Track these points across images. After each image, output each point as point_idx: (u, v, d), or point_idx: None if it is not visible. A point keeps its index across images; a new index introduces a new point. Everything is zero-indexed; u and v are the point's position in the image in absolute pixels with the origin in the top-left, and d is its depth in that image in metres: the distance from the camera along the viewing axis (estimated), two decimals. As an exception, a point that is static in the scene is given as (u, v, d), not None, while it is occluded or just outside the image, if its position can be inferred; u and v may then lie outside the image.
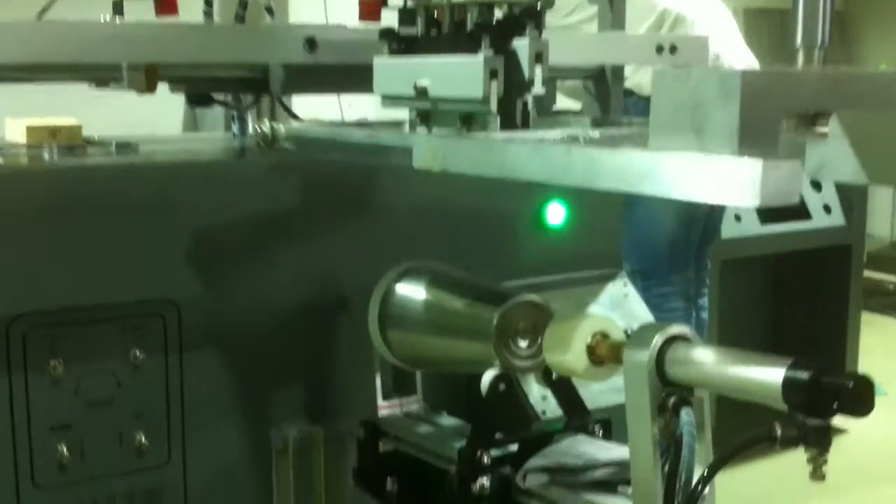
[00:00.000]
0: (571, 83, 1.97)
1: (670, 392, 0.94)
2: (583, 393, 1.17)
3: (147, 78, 1.22)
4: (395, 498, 1.21)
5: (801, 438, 0.86)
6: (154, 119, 2.11)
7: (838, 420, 0.85)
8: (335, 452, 1.32)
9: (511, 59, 0.92)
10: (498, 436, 1.11)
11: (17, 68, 1.21)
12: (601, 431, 1.17)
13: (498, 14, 0.96)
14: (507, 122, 0.95)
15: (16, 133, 1.39)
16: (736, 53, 2.62)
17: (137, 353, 1.22)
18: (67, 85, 1.39)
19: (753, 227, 3.32)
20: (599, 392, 1.22)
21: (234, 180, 1.30)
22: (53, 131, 1.36)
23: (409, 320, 1.18)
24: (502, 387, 1.12)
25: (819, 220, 3.47)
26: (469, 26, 0.98)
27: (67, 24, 1.17)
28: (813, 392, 0.82)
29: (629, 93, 2.16)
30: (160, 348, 1.24)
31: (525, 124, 0.96)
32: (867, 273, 3.95)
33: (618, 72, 1.59)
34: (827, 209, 3.49)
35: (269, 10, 1.47)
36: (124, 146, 1.36)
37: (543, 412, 1.23)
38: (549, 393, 1.18)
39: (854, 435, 2.64)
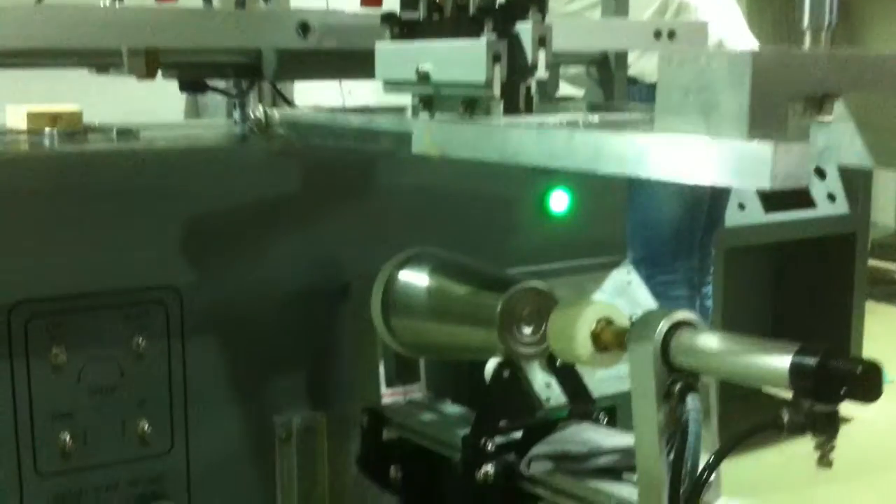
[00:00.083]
0: (574, 71, 1.97)
1: (676, 378, 0.93)
2: (587, 381, 1.16)
3: (147, 63, 1.21)
4: (399, 485, 1.21)
5: (808, 425, 0.85)
6: (155, 107, 2.10)
7: (843, 408, 0.84)
8: (338, 440, 1.32)
9: (514, 43, 0.91)
10: (502, 423, 1.11)
11: (16, 53, 1.20)
12: (606, 419, 1.17)
13: (500, -3, 0.96)
14: (511, 107, 0.94)
15: (17, 119, 1.38)
16: (739, 40, 2.61)
17: (140, 341, 1.21)
18: (69, 74, 1.39)
19: (757, 215, 3.32)
20: (604, 380, 1.21)
21: (236, 166, 1.29)
22: (54, 117, 1.36)
23: (413, 307, 1.17)
24: (506, 374, 1.12)
25: (823, 209, 3.46)
26: (472, 10, 0.97)
27: (66, 8, 1.16)
28: (820, 377, 0.81)
29: (632, 80, 2.15)
30: (163, 335, 1.23)
31: (528, 109, 0.95)
32: (871, 262, 3.94)
33: (621, 59, 1.58)
34: (831, 197, 3.49)
35: None
36: (125, 132, 1.35)
37: (547, 399, 1.22)
38: (553, 380, 1.18)
39: (859, 423, 2.64)
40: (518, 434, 1.10)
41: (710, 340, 0.92)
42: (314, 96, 1.63)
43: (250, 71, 1.35)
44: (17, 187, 1.16)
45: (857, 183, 3.48)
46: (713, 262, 3.13)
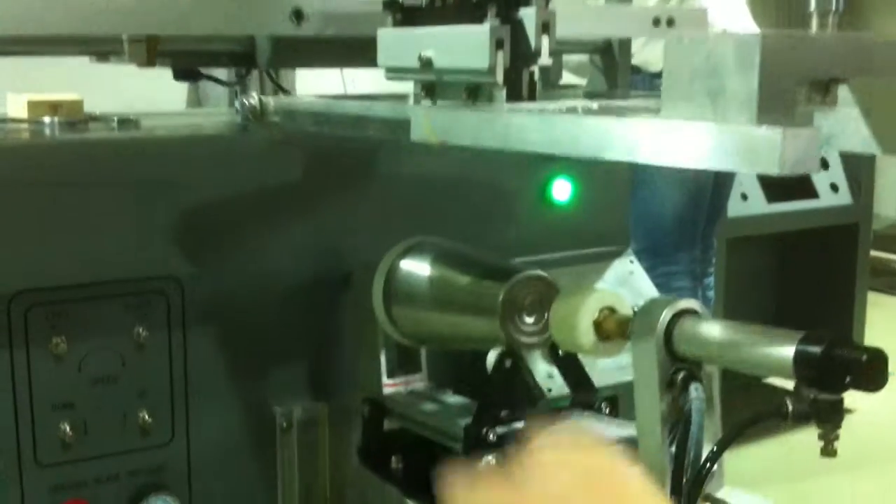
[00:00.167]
0: (577, 60, 1.96)
1: (679, 367, 0.93)
2: (589, 372, 1.16)
3: (148, 51, 1.20)
4: (401, 476, 1.21)
5: (812, 413, 0.85)
6: (157, 97, 2.10)
7: (846, 399, 0.84)
8: (339, 430, 1.32)
9: (517, 29, 0.91)
10: (504, 413, 1.11)
11: (16, 41, 1.19)
12: (608, 409, 1.16)
13: (504, -18, 0.95)
14: (514, 94, 0.93)
15: (17, 108, 1.38)
16: (743, 28, 2.61)
17: (141, 331, 1.21)
18: (70, 64, 1.38)
19: (760, 205, 3.32)
20: (606, 370, 1.21)
21: (237, 155, 1.28)
22: (55, 106, 1.35)
23: (414, 297, 1.17)
24: (508, 364, 1.11)
25: (826, 199, 3.46)
26: (474, -5, 0.96)
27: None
28: (825, 366, 0.81)
29: (636, 69, 2.15)
30: (163, 326, 1.23)
31: (532, 96, 0.95)
32: (873, 253, 3.94)
33: (625, 47, 1.57)
34: (834, 188, 3.49)
35: None
36: (126, 121, 1.35)
37: (549, 390, 1.22)
38: (555, 370, 1.18)
39: (861, 415, 2.64)
40: (520, 424, 1.10)
41: (713, 329, 0.92)
42: (316, 85, 1.63)
43: (244, 59, 1.33)
44: (17, 176, 1.15)
45: (859, 173, 3.48)
46: (715, 252, 3.13)
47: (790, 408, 0.86)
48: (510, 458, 0.70)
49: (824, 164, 3.37)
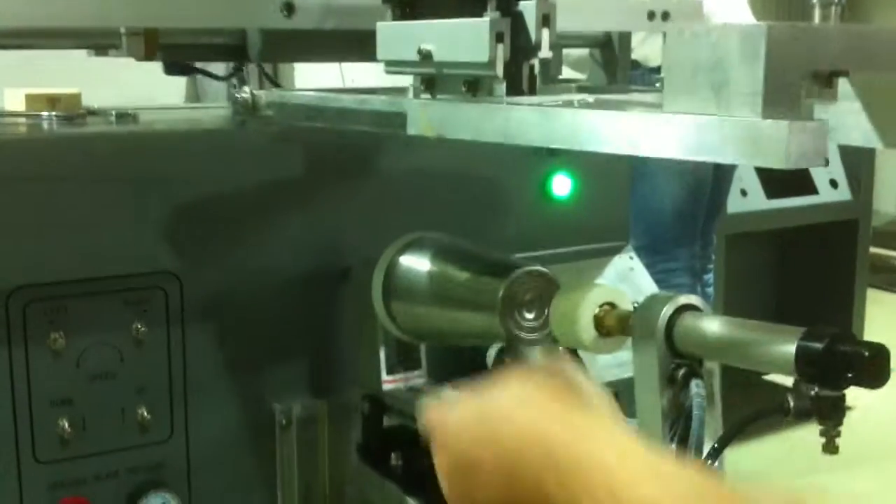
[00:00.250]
0: (577, 55, 1.95)
1: (680, 363, 0.92)
2: (589, 368, 1.15)
3: (146, 44, 1.19)
4: (400, 472, 1.20)
5: (814, 410, 0.84)
6: (156, 93, 2.09)
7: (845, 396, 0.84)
8: (339, 427, 1.31)
9: (517, 22, 0.90)
10: (504, 409, 1.10)
11: (12, 34, 1.19)
12: (608, 405, 1.15)
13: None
14: (514, 88, 0.93)
15: (15, 102, 1.37)
16: (743, 21, 2.60)
17: (139, 327, 1.20)
18: (69, 60, 1.38)
19: (759, 201, 3.32)
20: (606, 367, 1.21)
21: (236, 150, 1.28)
22: (53, 100, 1.34)
23: (414, 292, 1.16)
24: (508, 360, 1.11)
25: (825, 195, 3.46)
26: (474, -13, 0.95)
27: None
28: (827, 362, 0.80)
29: (635, 64, 2.15)
30: (162, 322, 1.22)
31: (532, 90, 0.94)
32: (873, 249, 3.94)
33: (625, 42, 1.57)
34: (833, 184, 3.48)
35: None
36: (124, 115, 1.34)
37: (550, 386, 1.21)
38: (555, 366, 1.17)
39: (861, 412, 2.63)
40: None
41: (714, 325, 0.92)
42: (317, 80, 1.63)
43: (236, 52, 1.33)
44: (14, 171, 1.15)
45: (859, 169, 3.48)
46: (715, 248, 3.12)
47: (791, 404, 0.86)
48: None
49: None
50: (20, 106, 1.36)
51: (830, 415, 0.85)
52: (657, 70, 2.10)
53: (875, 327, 3.63)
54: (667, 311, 0.92)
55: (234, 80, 1.37)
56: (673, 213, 2.97)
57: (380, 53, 1.02)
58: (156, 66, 1.40)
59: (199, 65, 1.55)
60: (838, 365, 0.81)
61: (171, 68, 1.41)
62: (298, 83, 3.60)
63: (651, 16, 1.42)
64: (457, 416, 0.77)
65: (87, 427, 1.19)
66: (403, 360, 1.27)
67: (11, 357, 1.15)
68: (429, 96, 0.99)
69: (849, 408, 0.87)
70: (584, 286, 1.01)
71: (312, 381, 1.33)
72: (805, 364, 0.82)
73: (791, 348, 0.83)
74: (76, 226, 1.18)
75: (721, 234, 3.16)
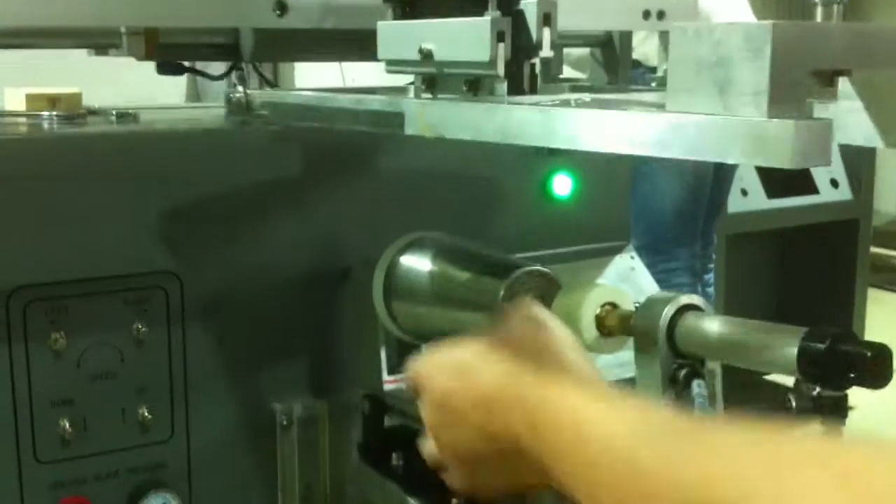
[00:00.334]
0: (577, 54, 1.95)
1: (681, 364, 0.92)
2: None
3: (147, 44, 1.19)
4: (401, 472, 1.20)
5: (816, 410, 0.84)
6: (156, 93, 2.09)
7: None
8: (340, 427, 1.31)
9: (518, 21, 0.90)
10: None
11: (13, 34, 1.19)
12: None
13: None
14: (515, 87, 0.92)
15: (15, 102, 1.37)
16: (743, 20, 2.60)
17: (140, 327, 1.20)
18: (69, 61, 1.37)
19: (760, 201, 3.32)
20: (607, 367, 1.20)
21: (236, 149, 1.28)
22: (53, 100, 1.34)
23: (415, 292, 1.16)
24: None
25: (826, 195, 3.46)
26: (475, -14, 0.95)
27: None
28: (829, 362, 0.80)
29: (636, 63, 2.14)
30: (163, 321, 1.22)
31: (533, 89, 0.94)
32: (873, 249, 3.94)
33: (626, 41, 1.56)
34: (834, 183, 3.48)
35: None
36: (125, 115, 1.34)
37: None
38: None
39: (863, 412, 2.63)
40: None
41: (715, 325, 0.92)
42: (319, 79, 1.62)
43: (230, 51, 1.32)
44: (15, 170, 1.15)
45: (860, 169, 3.48)
46: (715, 248, 3.12)
47: (793, 404, 0.85)
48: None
49: (824, 160, 3.37)
50: (21, 106, 1.36)
51: (832, 415, 0.85)
52: (654, 69, 2.10)
53: (876, 327, 3.63)
54: (668, 311, 0.92)
55: (234, 80, 1.37)
56: (673, 212, 2.97)
57: (380, 53, 1.02)
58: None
59: (198, 65, 1.55)
60: (840, 365, 0.80)
61: (164, 68, 1.41)
62: (299, 83, 3.60)
63: (647, 14, 1.42)
64: (436, 363, 0.85)
65: (88, 427, 1.19)
66: (404, 360, 1.26)
67: (12, 357, 1.15)
68: (430, 96, 0.98)
69: (851, 408, 0.87)
70: (586, 286, 1.00)
71: (313, 381, 1.33)
72: (807, 364, 0.81)
73: (793, 348, 0.82)
74: (77, 225, 1.18)
75: (722, 234, 3.16)
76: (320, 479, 1.32)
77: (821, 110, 0.62)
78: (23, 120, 1.33)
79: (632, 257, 1.48)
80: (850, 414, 0.86)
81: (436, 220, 1.26)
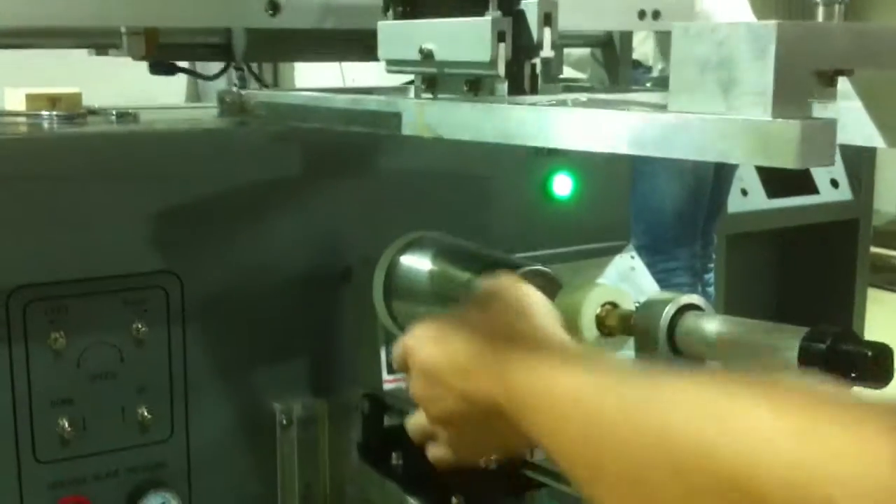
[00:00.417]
0: (577, 55, 1.95)
1: (682, 363, 0.92)
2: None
3: (147, 44, 1.19)
4: (401, 472, 1.20)
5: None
6: (156, 94, 2.09)
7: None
8: (339, 426, 1.31)
9: (519, 21, 0.90)
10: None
11: (12, 34, 1.19)
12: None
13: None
14: (515, 87, 0.92)
15: (15, 102, 1.37)
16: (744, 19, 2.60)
17: (139, 326, 1.20)
18: (70, 61, 1.37)
19: (760, 201, 3.32)
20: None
21: (236, 149, 1.28)
22: (53, 99, 1.34)
23: (415, 292, 1.16)
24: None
25: (826, 195, 3.46)
26: (476, -14, 0.95)
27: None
28: (830, 362, 0.80)
29: (636, 64, 2.15)
30: (162, 321, 1.22)
31: (534, 89, 0.94)
32: (873, 249, 3.94)
33: (626, 41, 1.56)
34: (834, 183, 3.48)
35: None
36: (125, 115, 1.34)
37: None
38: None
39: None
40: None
41: (716, 325, 0.91)
42: (319, 79, 1.62)
43: (223, 51, 1.32)
44: (15, 170, 1.14)
45: (860, 169, 3.48)
46: (715, 248, 3.13)
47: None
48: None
49: (825, 160, 3.37)
50: (21, 105, 1.36)
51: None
52: (649, 69, 2.09)
53: (876, 327, 3.63)
54: (669, 310, 0.92)
55: (235, 80, 1.36)
56: (673, 212, 2.97)
57: (381, 53, 1.02)
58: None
59: (198, 65, 1.55)
60: (841, 365, 0.80)
61: (157, 68, 1.41)
62: (299, 83, 3.60)
63: (642, 14, 1.41)
64: (420, 335, 0.90)
65: (88, 427, 1.19)
66: (404, 359, 1.26)
67: (11, 357, 1.14)
68: (430, 96, 0.98)
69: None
70: (586, 286, 1.00)
71: (313, 380, 1.33)
72: (808, 364, 0.81)
73: (794, 348, 0.82)
74: (77, 225, 1.18)
75: (722, 234, 3.16)
76: (320, 479, 1.32)
77: (819, 110, 0.62)
78: (23, 120, 1.33)
79: (632, 257, 1.48)
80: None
81: (436, 219, 1.26)
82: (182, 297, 1.23)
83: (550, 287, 1.05)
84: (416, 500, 1.16)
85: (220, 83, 1.46)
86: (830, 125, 0.57)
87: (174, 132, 1.31)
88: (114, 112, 1.35)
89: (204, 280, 1.24)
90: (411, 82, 1.12)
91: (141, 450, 1.23)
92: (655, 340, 0.91)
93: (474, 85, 0.94)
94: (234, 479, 1.30)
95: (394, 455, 1.20)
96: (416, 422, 0.96)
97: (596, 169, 1.46)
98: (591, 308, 0.98)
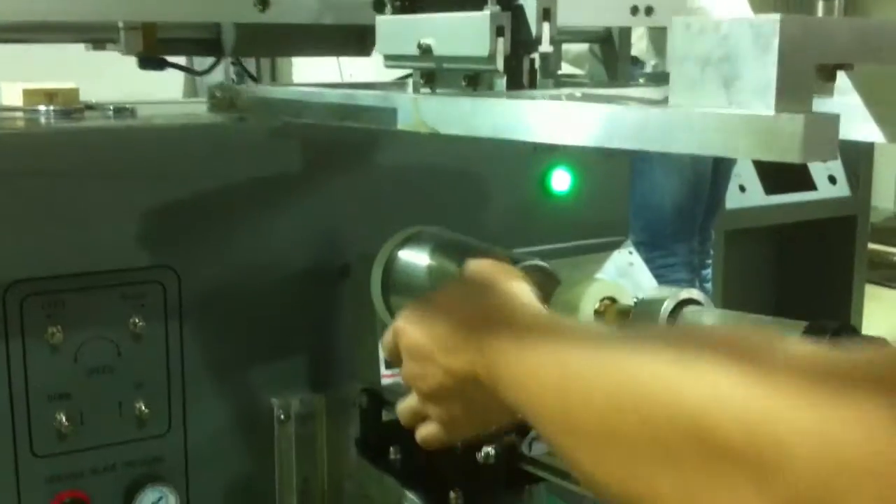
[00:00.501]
0: (576, 51, 1.95)
1: (680, 358, 0.92)
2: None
3: (145, 39, 1.19)
4: (399, 467, 1.20)
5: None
6: (154, 89, 2.08)
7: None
8: (337, 422, 1.31)
9: (518, 16, 0.90)
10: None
11: (9, 28, 1.18)
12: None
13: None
14: (514, 82, 0.92)
15: (12, 97, 1.37)
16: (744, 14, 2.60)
17: (137, 321, 1.20)
18: (67, 56, 1.37)
19: (758, 197, 3.32)
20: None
21: (234, 144, 1.28)
22: (50, 94, 1.34)
23: (413, 287, 1.16)
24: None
25: (824, 191, 3.46)
26: (474, -20, 0.94)
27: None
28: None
29: (634, 60, 2.14)
30: (160, 316, 1.22)
31: (532, 84, 0.94)
32: (871, 246, 3.94)
33: (625, 37, 1.56)
34: (832, 180, 3.48)
35: None
36: (122, 110, 1.34)
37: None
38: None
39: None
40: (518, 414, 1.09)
41: (715, 319, 0.91)
42: (314, 75, 1.62)
43: (212, 46, 1.31)
44: (12, 165, 1.14)
45: (857, 165, 3.48)
46: (713, 244, 3.13)
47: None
48: None
49: (822, 156, 3.37)
50: (18, 100, 1.35)
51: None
52: (642, 65, 2.10)
53: (873, 323, 3.63)
54: (668, 305, 0.92)
55: (233, 74, 1.36)
56: (672, 208, 2.97)
57: (379, 48, 1.01)
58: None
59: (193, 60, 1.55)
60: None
61: (146, 63, 1.40)
62: (296, 78, 3.60)
63: (635, 10, 1.41)
64: (408, 318, 0.93)
65: (85, 421, 1.19)
66: (402, 354, 1.26)
67: (9, 351, 1.14)
68: (429, 91, 0.98)
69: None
70: (585, 281, 1.00)
71: (311, 375, 1.32)
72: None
73: (792, 343, 0.82)
74: (74, 220, 1.17)
75: (720, 230, 3.16)
76: (318, 474, 1.32)
77: (818, 105, 0.62)
78: (20, 115, 1.33)
79: (630, 252, 1.48)
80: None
81: (434, 215, 1.26)
82: (179, 293, 1.23)
83: (549, 282, 1.05)
84: (415, 494, 1.16)
85: (219, 78, 1.46)
86: (834, 120, 0.57)
87: (172, 128, 1.31)
88: (111, 107, 1.35)
89: (201, 275, 1.24)
90: (407, 77, 1.12)
91: (138, 444, 1.23)
92: (654, 336, 0.91)
93: (473, 80, 0.94)
94: (232, 474, 1.30)
95: (392, 450, 1.20)
96: (406, 404, 1.00)
97: (594, 165, 1.46)
98: (589, 303, 0.98)
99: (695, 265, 3.06)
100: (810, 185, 3.40)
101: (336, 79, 2.56)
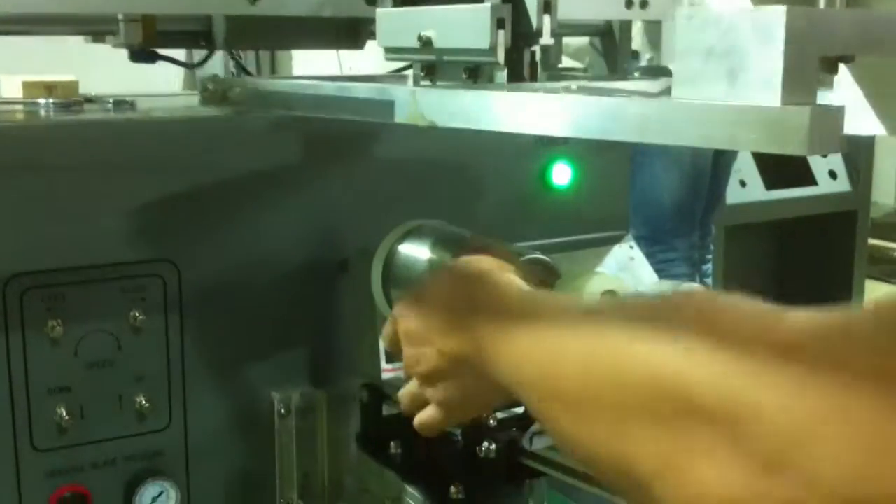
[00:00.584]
0: (576, 44, 1.95)
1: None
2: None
3: (144, 31, 1.18)
4: (399, 461, 1.20)
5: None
6: (153, 83, 2.08)
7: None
8: (338, 416, 1.31)
9: (518, 8, 0.89)
10: (504, 398, 1.09)
11: (9, 20, 1.18)
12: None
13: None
14: (515, 75, 0.92)
15: (11, 89, 1.37)
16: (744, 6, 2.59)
17: (137, 315, 1.20)
18: (66, 48, 1.36)
19: (758, 192, 3.32)
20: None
21: (234, 137, 1.27)
22: (50, 87, 1.34)
23: (413, 281, 1.15)
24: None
25: (824, 186, 3.45)
26: (475, -27, 0.94)
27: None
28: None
29: (635, 53, 2.14)
30: (160, 309, 1.22)
31: (533, 76, 0.93)
32: (872, 241, 3.93)
33: (625, 31, 1.56)
34: (832, 175, 3.48)
35: None
36: (121, 103, 1.33)
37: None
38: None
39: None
40: (520, 409, 1.09)
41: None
42: (314, 67, 1.62)
43: (203, 39, 1.31)
44: (11, 158, 1.14)
45: (858, 160, 3.47)
46: (713, 239, 3.13)
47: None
48: None
49: (823, 151, 3.37)
50: (17, 93, 1.35)
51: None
52: (638, 58, 2.09)
53: (874, 319, 3.62)
54: (668, 299, 0.91)
55: (232, 68, 1.36)
56: (672, 203, 2.97)
57: (380, 40, 1.01)
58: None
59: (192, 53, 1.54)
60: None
61: (137, 56, 1.40)
62: (296, 71, 3.59)
63: (629, 3, 1.40)
64: (406, 305, 0.98)
65: (85, 415, 1.19)
66: (402, 349, 1.26)
67: (9, 345, 1.14)
68: (429, 83, 0.98)
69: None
70: (585, 275, 1.00)
71: (311, 370, 1.32)
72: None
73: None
74: (74, 213, 1.17)
75: (720, 225, 3.16)
76: (318, 468, 1.32)
77: (819, 97, 0.62)
78: (19, 107, 1.33)
79: (631, 247, 1.48)
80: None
81: (434, 208, 1.26)
82: (179, 286, 1.22)
83: (550, 276, 1.05)
84: (415, 489, 1.16)
85: (216, 71, 1.46)
86: (839, 112, 0.57)
87: (172, 120, 1.30)
88: (110, 100, 1.34)
89: (201, 269, 1.24)
90: (404, 69, 1.11)
91: (139, 438, 1.23)
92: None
93: (473, 72, 0.93)
94: (232, 468, 1.29)
95: (392, 444, 1.20)
96: (406, 389, 1.03)
97: (595, 158, 1.46)
98: (590, 297, 0.98)
99: (695, 260, 3.06)
100: (811, 181, 3.39)
101: (336, 72, 2.56)
